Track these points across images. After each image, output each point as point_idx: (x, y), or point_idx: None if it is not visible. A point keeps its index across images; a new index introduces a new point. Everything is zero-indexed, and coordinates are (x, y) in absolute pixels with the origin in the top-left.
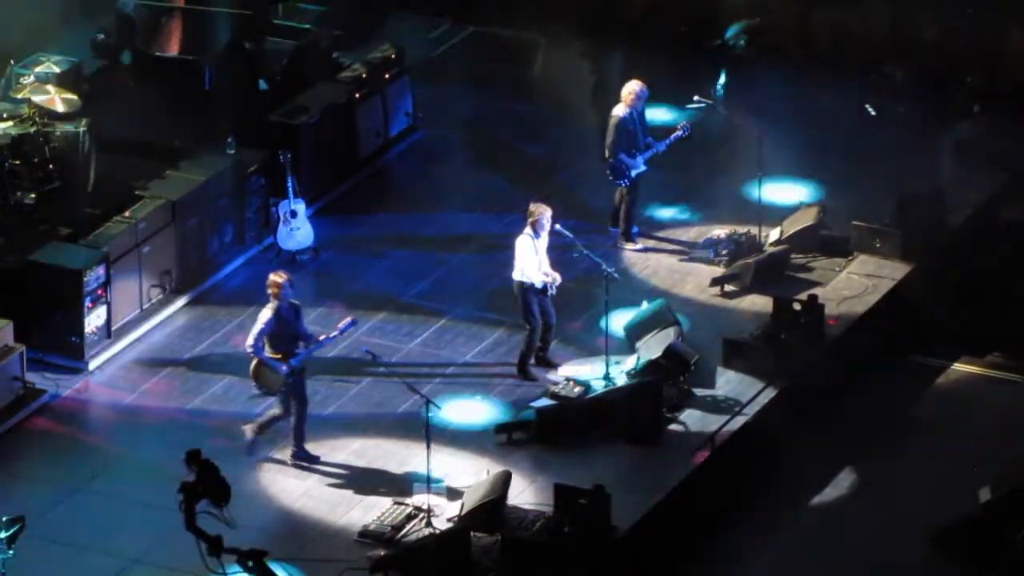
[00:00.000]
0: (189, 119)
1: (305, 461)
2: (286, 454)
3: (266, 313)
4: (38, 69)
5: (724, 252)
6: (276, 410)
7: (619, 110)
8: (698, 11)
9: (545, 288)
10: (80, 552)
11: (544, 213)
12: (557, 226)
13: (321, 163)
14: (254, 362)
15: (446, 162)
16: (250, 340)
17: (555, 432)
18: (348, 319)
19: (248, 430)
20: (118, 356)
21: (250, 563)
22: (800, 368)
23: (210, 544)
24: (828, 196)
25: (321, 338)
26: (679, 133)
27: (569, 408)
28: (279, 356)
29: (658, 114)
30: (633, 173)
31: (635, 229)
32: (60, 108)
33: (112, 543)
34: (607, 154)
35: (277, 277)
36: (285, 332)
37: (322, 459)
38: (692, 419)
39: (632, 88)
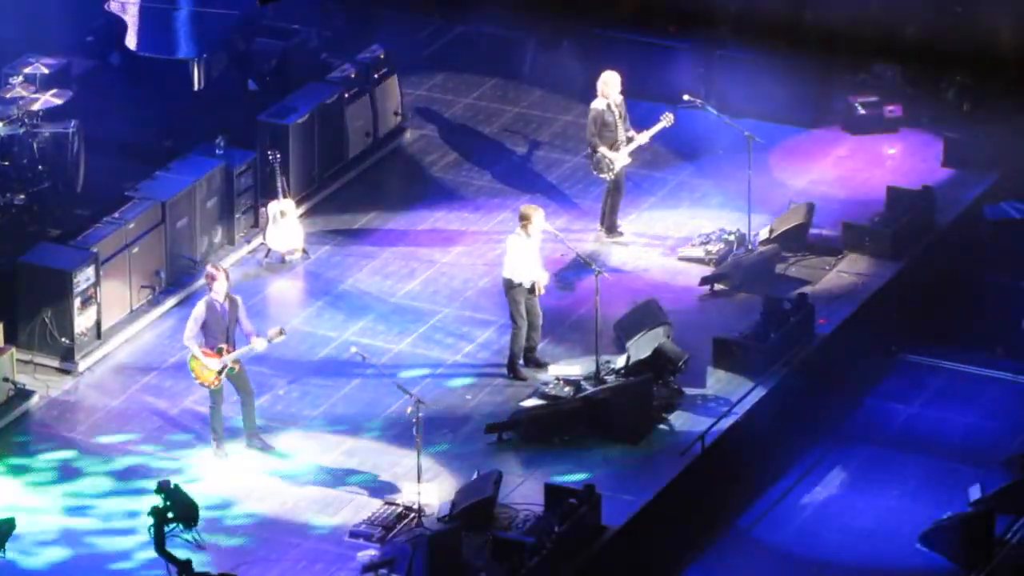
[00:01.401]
0: (178, 120)
1: (261, 449)
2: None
3: (199, 306)
4: (27, 70)
5: (714, 251)
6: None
7: (597, 103)
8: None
9: (533, 288)
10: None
11: (535, 213)
12: (547, 226)
13: (310, 163)
14: (189, 355)
15: (436, 162)
16: (187, 333)
17: (545, 432)
18: (278, 329)
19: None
20: (108, 357)
21: None
22: (790, 366)
23: (180, 568)
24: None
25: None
26: (663, 124)
27: (559, 407)
28: (213, 352)
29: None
30: (616, 166)
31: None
32: (49, 109)
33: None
34: (589, 148)
35: (212, 269)
36: (217, 326)
37: (312, 460)
38: (682, 419)
39: (603, 78)
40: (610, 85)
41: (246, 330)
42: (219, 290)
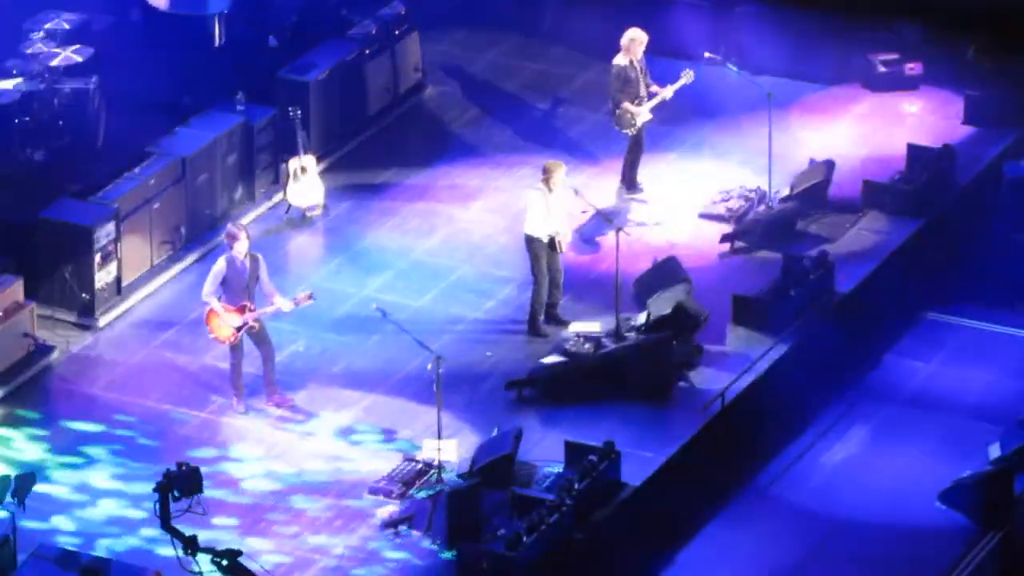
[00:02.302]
0: (199, 75)
1: (282, 405)
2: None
3: (219, 262)
4: (48, 26)
5: (734, 208)
6: (232, 359)
7: (619, 59)
8: None
9: (553, 243)
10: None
11: (557, 168)
12: (568, 183)
13: (331, 119)
14: (207, 310)
15: (456, 118)
16: (205, 288)
17: (565, 389)
18: (307, 293)
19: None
20: (128, 313)
21: (224, 562)
22: (810, 324)
23: (185, 544)
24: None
25: (269, 310)
26: (684, 80)
27: (579, 365)
28: (236, 308)
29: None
30: (638, 121)
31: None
32: (70, 64)
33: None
34: (611, 103)
35: (233, 228)
36: (237, 283)
37: (331, 417)
38: (702, 376)
39: (631, 35)
40: (637, 42)
41: (266, 290)
42: (240, 249)
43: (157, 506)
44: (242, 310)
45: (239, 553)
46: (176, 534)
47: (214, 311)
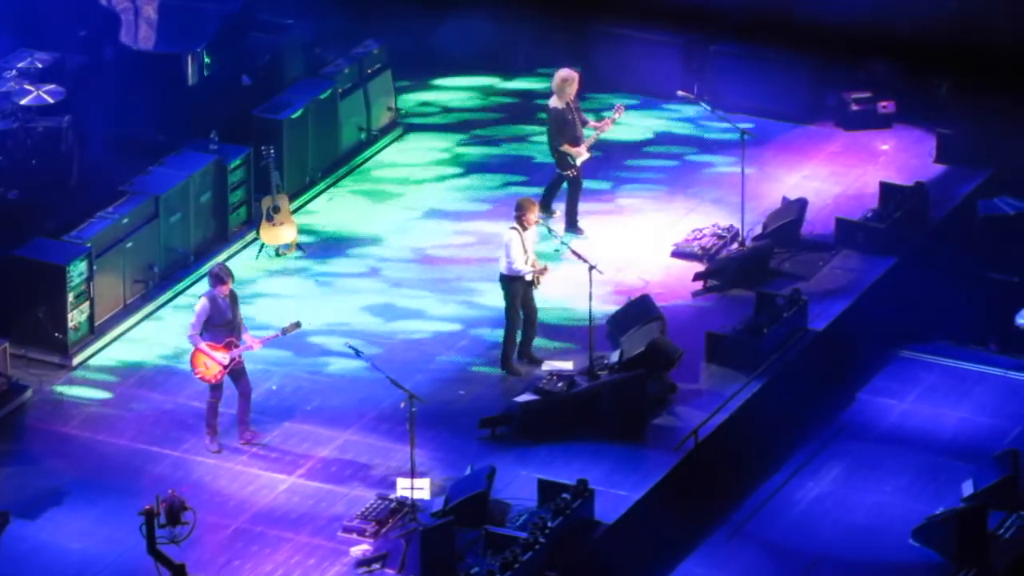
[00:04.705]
0: (172, 114)
1: (252, 441)
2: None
3: (202, 301)
4: (21, 64)
5: (708, 246)
6: (211, 398)
7: (554, 102)
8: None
9: (532, 281)
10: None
11: (532, 206)
12: (540, 221)
13: (304, 158)
14: (192, 351)
15: (430, 156)
16: (190, 330)
17: (539, 427)
18: (295, 322)
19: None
20: (102, 352)
21: None
22: (783, 362)
23: (172, 571)
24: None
25: (255, 343)
26: (616, 116)
27: (553, 403)
28: (221, 346)
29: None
30: (579, 162)
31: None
32: (43, 103)
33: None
34: (551, 147)
35: (220, 271)
36: (220, 320)
37: (306, 453)
38: (675, 414)
39: (563, 76)
40: (569, 83)
41: (239, 326)
42: (224, 291)
43: (143, 528)
44: (228, 347)
45: None
46: (162, 560)
47: (200, 350)
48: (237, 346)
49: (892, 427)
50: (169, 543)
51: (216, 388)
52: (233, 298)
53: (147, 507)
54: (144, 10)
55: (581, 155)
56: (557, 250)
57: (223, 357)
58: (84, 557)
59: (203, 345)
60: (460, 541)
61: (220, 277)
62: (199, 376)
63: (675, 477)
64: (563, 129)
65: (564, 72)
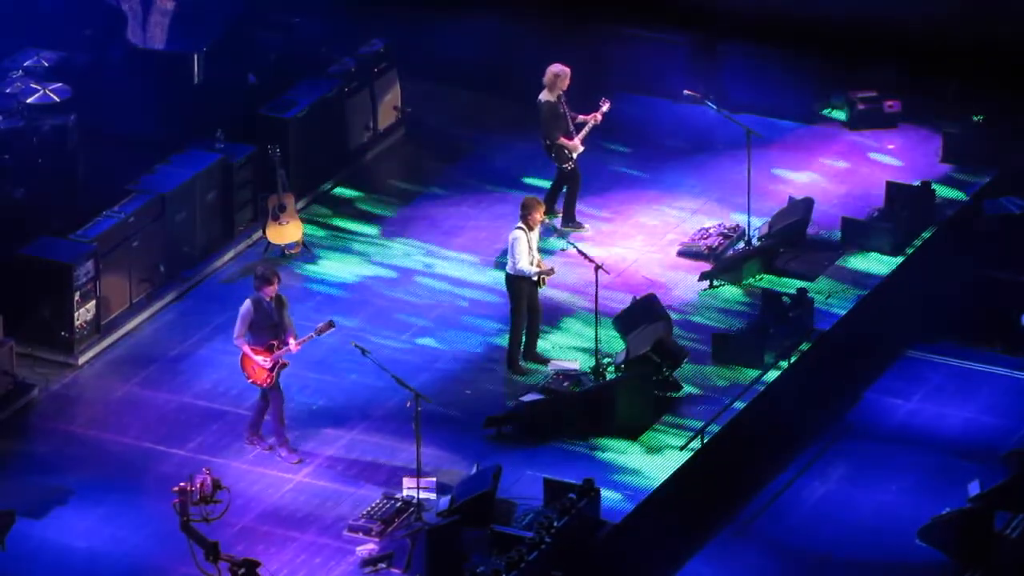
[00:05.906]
0: (178, 113)
1: (285, 450)
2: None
3: (246, 304)
4: (27, 63)
5: (714, 246)
6: (261, 403)
7: (546, 95)
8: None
9: (538, 280)
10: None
11: (538, 206)
12: (546, 220)
13: (310, 157)
14: (240, 354)
15: (435, 156)
16: (236, 332)
17: (544, 426)
18: (328, 322)
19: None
20: (107, 351)
21: (242, 571)
22: (789, 362)
23: (206, 549)
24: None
25: (292, 345)
26: (604, 108)
27: (558, 402)
28: (263, 350)
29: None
30: (575, 154)
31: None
32: (49, 102)
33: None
34: (546, 141)
35: (267, 272)
36: (265, 324)
37: (312, 452)
38: (681, 413)
39: (555, 71)
40: (562, 78)
41: (286, 328)
42: (270, 292)
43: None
44: (270, 350)
45: (258, 563)
46: (196, 537)
47: (246, 355)
48: (279, 349)
49: (898, 427)
50: (201, 521)
51: (275, 391)
52: (279, 300)
53: (181, 484)
54: (152, 9)
55: (577, 148)
56: (563, 248)
57: (265, 360)
58: (90, 556)
59: (247, 348)
60: (466, 540)
61: (266, 279)
62: (251, 381)
63: (681, 477)
64: (556, 122)
65: (556, 67)
